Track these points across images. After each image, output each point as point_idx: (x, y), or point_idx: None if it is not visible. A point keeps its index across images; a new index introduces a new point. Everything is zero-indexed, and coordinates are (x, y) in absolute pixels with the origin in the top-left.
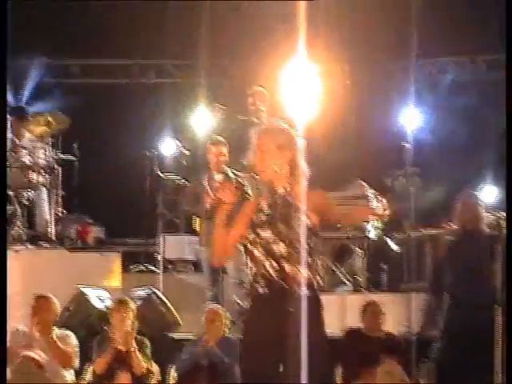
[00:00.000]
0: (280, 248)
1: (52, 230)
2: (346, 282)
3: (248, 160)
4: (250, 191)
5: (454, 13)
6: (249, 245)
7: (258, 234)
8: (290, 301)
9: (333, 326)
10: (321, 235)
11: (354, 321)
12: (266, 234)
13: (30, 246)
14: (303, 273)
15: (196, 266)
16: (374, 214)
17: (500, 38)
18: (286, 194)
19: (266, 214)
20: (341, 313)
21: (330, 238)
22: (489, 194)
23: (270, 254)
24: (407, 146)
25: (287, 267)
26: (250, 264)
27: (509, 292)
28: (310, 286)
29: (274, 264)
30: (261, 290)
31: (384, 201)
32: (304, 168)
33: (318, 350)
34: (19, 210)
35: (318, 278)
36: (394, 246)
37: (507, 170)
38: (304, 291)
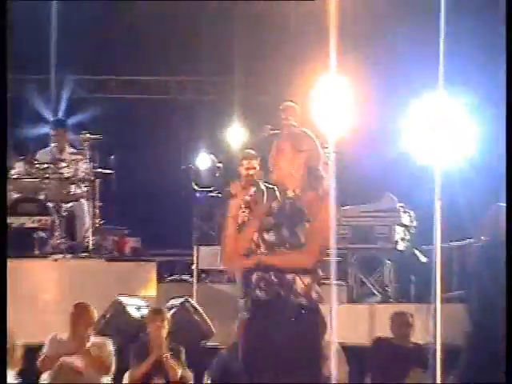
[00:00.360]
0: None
1: (90, 240)
2: (376, 292)
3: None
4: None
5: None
6: (255, 248)
7: (263, 238)
8: (285, 308)
9: (363, 336)
10: (352, 247)
11: (383, 331)
12: (271, 238)
13: (68, 256)
14: (305, 285)
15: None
16: None
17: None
18: (295, 198)
19: (273, 217)
20: (370, 323)
21: (359, 248)
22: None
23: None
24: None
25: (287, 274)
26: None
27: (509, 292)
28: (307, 295)
29: (262, 276)
30: (260, 295)
31: (412, 213)
32: (321, 176)
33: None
34: (58, 220)
35: (317, 287)
36: (422, 258)
37: (507, 170)
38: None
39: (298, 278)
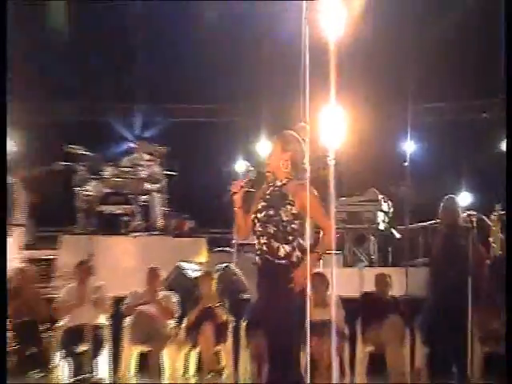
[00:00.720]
0: (272, 230)
1: (160, 222)
2: (364, 259)
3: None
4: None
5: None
6: (260, 222)
7: (257, 217)
8: (274, 269)
9: (354, 291)
10: (346, 227)
11: (369, 287)
12: (262, 217)
13: (144, 234)
14: (288, 250)
15: None
16: None
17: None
18: (282, 186)
19: (264, 201)
20: (359, 281)
21: (352, 228)
22: (464, 198)
23: (267, 232)
24: (406, 164)
25: (274, 243)
26: (258, 239)
27: (509, 292)
28: (289, 258)
29: (270, 241)
30: (258, 259)
31: (390, 203)
32: (304, 167)
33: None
34: (137, 208)
35: (298, 252)
36: (395, 233)
37: (507, 170)
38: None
39: (281, 247)
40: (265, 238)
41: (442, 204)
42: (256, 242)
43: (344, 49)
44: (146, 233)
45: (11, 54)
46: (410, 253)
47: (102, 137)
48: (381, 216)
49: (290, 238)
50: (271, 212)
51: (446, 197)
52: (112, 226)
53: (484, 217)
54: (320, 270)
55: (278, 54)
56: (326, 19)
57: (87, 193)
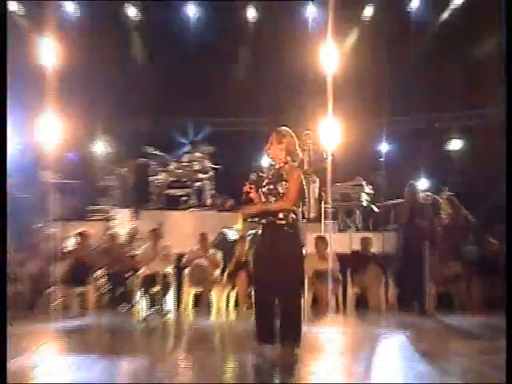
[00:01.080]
0: (272, 199)
1: (208, 200)
2: (352, 227)
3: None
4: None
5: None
6: (265, 194)
7: (262, 191)
8: (276, 230)
9: (345, 249)
10: (339, 204)
11: (356, 246)
12: (266, 190)
13: (197, 210)
14: (283, 215)
15: None
16: None
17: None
18: (279, 168)
19: (268, 179)
20: (349, 242)
21: (344, 205)
22: (422, 184)
23: (268, 202)
24: (382, 160)
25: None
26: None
27: (509, 292)
28: (289, 223)
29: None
30: (264, 221)
31: (371, 186)
32: (297, 155)
33: (294, 262)
34: (193, 191)
35: (292, 215)
36: (374, 208)
37: (507, 170)
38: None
39: (280, 212)
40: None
41: (406, 188)
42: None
43: (339, 76)
44: (199, 209)
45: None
46: (385, 222)
47: (168, 141)
48: (364, 196)
49: (289, 209)
50: (271, 187)
51: (409, 182)
52: (175, 204)
53: (436, 196)
54: (322, 234)
55: (291, 81)
56: (326, 55)
57: (158, 181)
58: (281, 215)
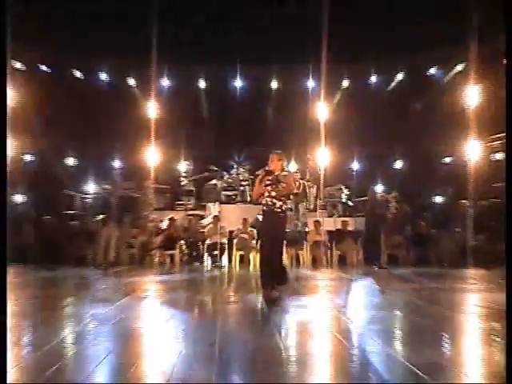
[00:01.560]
0: (273, 194)
1: (248, 198)
2: (335, 213)
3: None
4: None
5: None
6: (264, 193)
7: (267, 190)
8: (275, 214)
9: (332, 227)
10: (328, 200)
11: (338, 226)
12: (269, 188)
13: (241, 204)
14: (280, 205)
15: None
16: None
17: None
18: (277, 175)
19: (270, 181)
20: (334, 224)
21: (330, 200)
22: (379, 188)
23: (268, 196)
24: (354, 173)
25: (276, 202)
26: (267, 198)
27: (508, 290)
28: (282, 210)
29: (268, 201)
30: (266, 209)
31: (347, 189)
32: (289, 170)
33: (282, 235)
34: (239, 192)
35: (285, 206)
36: (350, 203)
37: (507, 171)
38: (279, 210)
39: (277, 203)
40: (269, 199)
41: (369, 190)
42: (265, 201)
43: (328, 123)
44: (242, 203)
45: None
46: (356, 211)
47: (223, 162)
48: (343, 195)
49: (282, 199)
50: (274, 187)
51: (371, 187)
52: (228, 200)
53: (387, 195)
54: (318, 218)
55: (300, 125)
56: (320, 109)
57: (217, 186)
58: (278, 205)
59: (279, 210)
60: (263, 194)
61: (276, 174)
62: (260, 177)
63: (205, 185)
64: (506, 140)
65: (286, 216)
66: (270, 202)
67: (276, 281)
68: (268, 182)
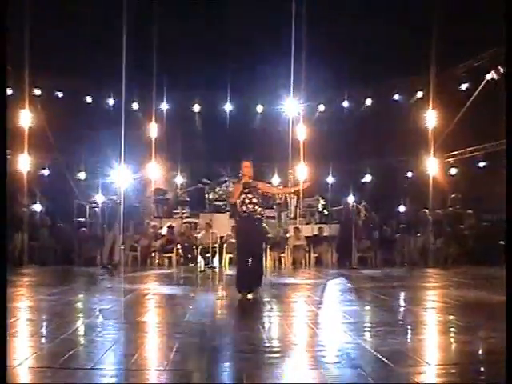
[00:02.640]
0: (253, 201)
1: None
2: (313, 221)
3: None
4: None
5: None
6: (245, 200)
7: (246, 196)
8: (254, 220)
9: (310, 234)
10: (307, 209)
11: (315, 232)
12: (250, 195)
13: (228, 213)
14: (260, 211)
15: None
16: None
17: None
18: (254, 184)
19: (249, 190)
20: (312, 230)
21: (309, 208)
22: (351, 199)
23: (249, 203)
24: (329, 185)
25: (257, 208)
26: (243, 206)
27: (508, 290)
28: (261, 215)
29: (250, 207)
30: (244, 215)
31: (323, 200)
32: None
33: (262, 240)
34: (228, 203)
35: (263, 211)
36: (326, 212)
37: (507, 171)
38: (258, 216)
39: (258, 209)
40: (250, 205)
41: (342, 200)
42: (246, 207)
43: (306, 142)
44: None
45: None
46: (331, 219)
47: (215, 175)
48: (320, 205)
49: (261, 206)
50: (252, 195)
51: (344, 198)
52: (219, 210)
53: (358, 205)
54: (297, 225)
55: (282, 144)
56: (300, 131)
57: (209, 197)
58: (259, 211)
59: (259, 216)
60: (244, 201)
61: (250, 181)
62: (238, 184)
63: (199, 195)
64: (506, 142)
65: (262, 222)
66: (252, 209)
67: (254, 284)
68: (247, 190)
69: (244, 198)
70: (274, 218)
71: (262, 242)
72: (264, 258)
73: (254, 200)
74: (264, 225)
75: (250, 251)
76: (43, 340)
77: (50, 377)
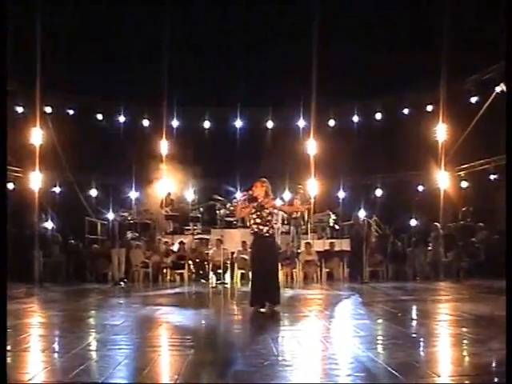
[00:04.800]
0: (259, 221)
1: (248, 224)
2: (324, 236)
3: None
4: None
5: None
6: (254, 219)
7: (252, 217)
8: (263, 238)
9: (321, 248)
10: (318, 224)
11: (327, 247)
12: (256, 215)
13: (242, 228)
14: (266, 229)
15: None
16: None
17: None
18: (261, 202)
19: (255, 209)
20: (323, 245)
21: (320, 224)
22: (362, 214)
23: (257, 222)
24: (341, 201)
25: (262, 228)
26: (253, 225)
27: (509, 292)
28: (270, 234)
29: (257, 227)
30: (254, 235)
31: (334, 215)
32: (271, 195)
33: (274, 257)
34: (239, 219)
35: (271, 231)
36: (337, 227)
37: (507, 171)
38: (267, 235)
39: (265, 228)
40: (257, 225)
41: (353, 215)
42: (254, 226)
43: (317, 156)
44: (243, 228)
45: None
46: (342, 234)
47: (225, 192)
48: (331, 220)
49: (268, 224)
50: (258, 213)
51: (355, 213)
52: (230, 225)
53: (369, 219)
54: (309, 240)
55: (292, 158)
56: (310, 145)
57: (221, 213)
58: (265, 230)
59: (267, 235)
60: (250, 221)
61: (260, 200)
62: (242, 199)
63: (210, 211)
64: (506, 141)
65: (274, 239)
66: (256, 229)
67: (268, 300)
68: (253, 210)
69: (249, 219)
70: (288, 233)
71: (275, 259)
72: (279, 275)
73: (258, 220)
74: (277, 241)
75: (261, 271)
76: (55, 355)
77: None
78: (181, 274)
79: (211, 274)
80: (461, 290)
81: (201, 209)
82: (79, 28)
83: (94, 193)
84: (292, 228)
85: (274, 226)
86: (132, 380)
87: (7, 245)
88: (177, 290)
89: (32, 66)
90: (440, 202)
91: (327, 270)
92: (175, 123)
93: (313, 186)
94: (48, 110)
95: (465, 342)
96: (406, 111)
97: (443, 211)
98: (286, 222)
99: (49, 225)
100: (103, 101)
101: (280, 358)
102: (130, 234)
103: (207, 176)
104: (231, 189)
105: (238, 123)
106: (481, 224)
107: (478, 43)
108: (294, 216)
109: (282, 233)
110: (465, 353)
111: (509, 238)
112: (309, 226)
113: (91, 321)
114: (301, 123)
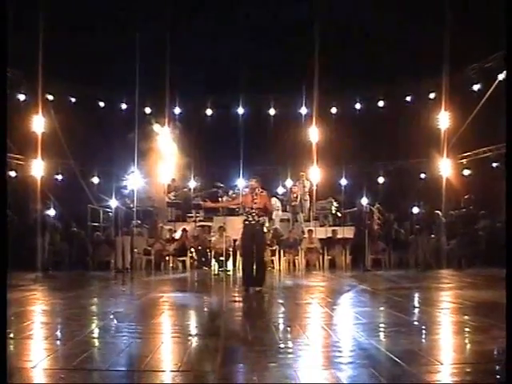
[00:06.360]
0: (253, 212)
1: None
2: (327, 224)
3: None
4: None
5: None
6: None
7: (251, 207)
8: (254, 227)
9: (323, 236)
10: (320, 212)
11: (329, 234)
12: (251, 208)
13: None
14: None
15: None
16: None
17: None
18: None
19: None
20: (325, 232)
21: (322, 211)
22: (364, 201)
23: (250, 213)
24: (343, 189)
25: (256, 217)
26: (247, 216)
27: (509, 291)
28: (256, 221)
29: (253, 216)
30: (247, 223)
31: (336, 202)
32: (265, 192)
33: (261, 244)
34: (241, 205)
35: (262, 220)
36: (339, 214)
37: (507, 171)
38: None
39: (258, 218)
40: (253, 215)
41: (356, 202)
42: (250, 216)
43: (319, 143)
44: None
45: None
46: (345, 221)
47: (228, 179)
48: (333, 207)
49: (261, 215)
50: (254, 208)
51: (358, 200)
52: (232, 213)
53: (372, 207)
54: (311, 227)
55: (295, 145)
56: (312, 133)
57: (223, 200)
58: (256, 219)
59: (253, 222)
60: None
61: (254, 193)
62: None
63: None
64: (506, 141)
65: (262, 228)
66: (253, 218)
67: (253, 284)
68: (252, 201)
69: (248, 208)
70: (288, 220)
71: (260, 247)
72: (263, 262)
73: (255, 209)
74: (264, 229)
75: (249, 255)
76: (58, 342)
77: (64, 378)
78: (183, 262)
79: (213, 261)
80: (463, 278)
81: (203, 195)
82: (81, 18)
83: (96, 180)
84: (290, 215)
85: (273, 214)
86: (135, 367)
87: (8, 232)
88: (179, 277)
89: (34, 54)
90: (442, 189)
91: (329, 257)
92: (177, 110)
93: (315, 173)
94: (50, 97)
95: (467, 329)
96: (408, 98)
97: (445, 199)
98: (287, 210)
99: (51, 212)
100: (105, 89)
101: (283, 346)
102: (133, 222)
103: (210, 163)
104: (221, 185)
105: (240, 110)
106: (483, 212)
107: (480, 31)
108: (292, 204)
109: (281, 220)
110: (467, 340)
111: (509, 225)
112: (311, 213)
113: (94, 308)
114: (303, 110)
